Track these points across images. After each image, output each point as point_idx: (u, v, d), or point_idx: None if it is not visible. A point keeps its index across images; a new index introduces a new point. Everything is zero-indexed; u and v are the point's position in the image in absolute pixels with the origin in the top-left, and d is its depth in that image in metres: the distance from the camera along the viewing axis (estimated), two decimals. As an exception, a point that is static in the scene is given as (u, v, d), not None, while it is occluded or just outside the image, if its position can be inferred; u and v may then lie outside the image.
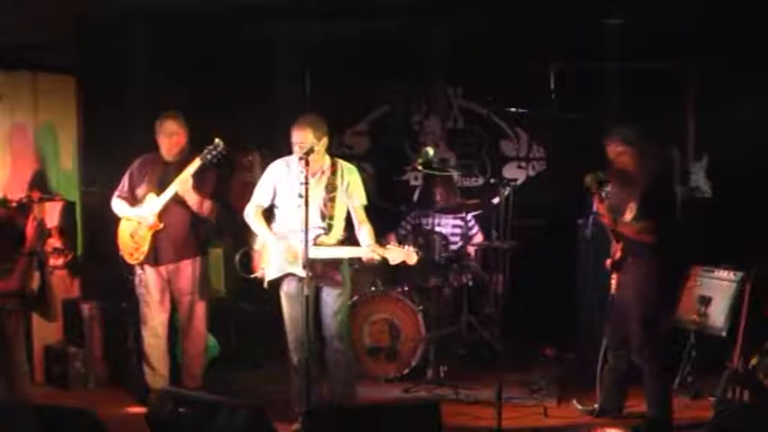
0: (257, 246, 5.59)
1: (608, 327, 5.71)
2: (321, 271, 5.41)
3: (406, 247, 5.39)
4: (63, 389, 6.43)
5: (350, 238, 5.57)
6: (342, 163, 5.57)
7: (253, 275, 5.57)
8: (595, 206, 5.54)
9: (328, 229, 5.43)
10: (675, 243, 5.57)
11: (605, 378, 5.77)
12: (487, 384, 6.14)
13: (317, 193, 5.41)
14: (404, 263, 5.38)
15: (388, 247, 5.41)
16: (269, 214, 5.60)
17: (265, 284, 5.51)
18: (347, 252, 5.46)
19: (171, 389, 5.37)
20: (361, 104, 8.10)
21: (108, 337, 6.64)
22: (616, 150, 5.50)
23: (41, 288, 5.54)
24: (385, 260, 5.38)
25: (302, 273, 5.18)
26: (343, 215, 5.52)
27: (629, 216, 5.41)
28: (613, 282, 5.65)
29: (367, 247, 5.40)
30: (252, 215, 5.53)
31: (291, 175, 5.44)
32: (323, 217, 5.43)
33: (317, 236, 5.38)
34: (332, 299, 5.48)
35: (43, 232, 5.66)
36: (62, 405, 5.22)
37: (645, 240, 5.36)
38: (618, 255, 5.54)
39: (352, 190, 5.50)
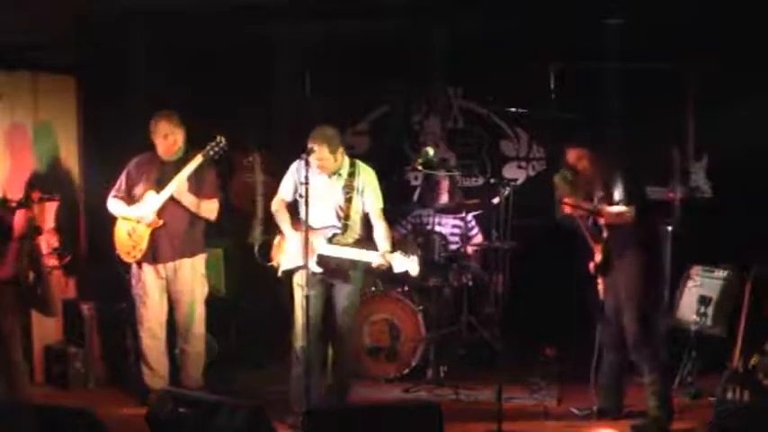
0: (276, 240, 5.80)
1: (601, 329, 5.72)
2: (335, 268, 5.54)
3: (411, 256, 5.46)
4: (63, 389, 6.43)
5: (368, 238, 5.66)
6: (360, 165, 5.68)
7: (270, 263, 5.79)
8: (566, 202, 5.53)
9: (344, 228, 5.56)
10: (655, 236, 5.59)
11: (602, 379, 5.77)
12: (487, 384, 6.14)
13: (335, 193, 5.57)
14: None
15: (394, 254, 5.47)
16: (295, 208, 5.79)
17: (280, 273, 5.70)
18: (359, 255, 5.53)
19: (171, 389, 5.37)
20: (361, 104, 8.10)
21: (108, 337, 6.64)
22: (575, 155, 5.53)
23: (37, 281, 5.55)
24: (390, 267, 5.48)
25: (314, 267, 5.43)
26: (360, 216, 5.63)
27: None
28: (600, 286, 5.67)
29: (379, 254, 5.47)
30: (276, 208, 5.77)
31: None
32: (339, 217, 5.57)
33: (334, 235, 5.54)
34: (342, 296, 5.61)
35: (34, 225, 5.65)
36: (62, 405, 5.22)
37: (627, 222, 5.36)
38: (599, 257, 5.55)
39: (368, 193, 5.62)
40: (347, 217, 5.53)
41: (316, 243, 5.46)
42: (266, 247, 5.95)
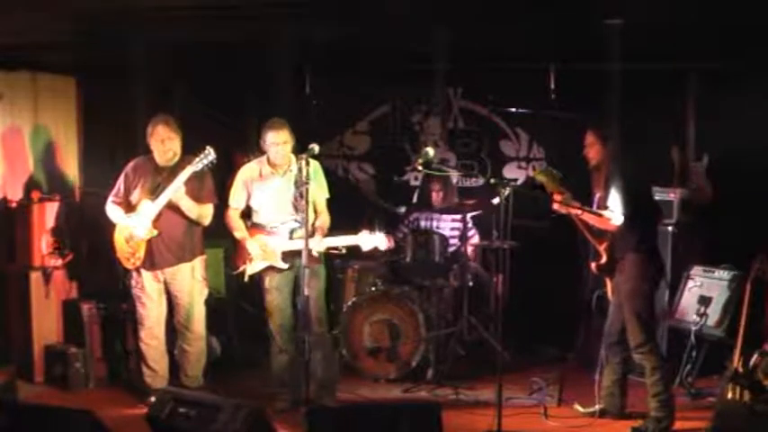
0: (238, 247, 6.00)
1: (606, 328, 5.73)
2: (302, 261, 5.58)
3: (377, 232, 5.62)
4: (63, 389, 6.43)
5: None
6: (307, 159, 5.67)
7: (236, 272, 5.97)
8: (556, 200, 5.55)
9: (303, 221, 5.58)
10: (653, 238, 5.59)
11: (605, 379, 5.78)
12: (487, 384, 6.15)
13: (289, 190, 5.72)
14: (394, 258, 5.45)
15: (360, 234, 5.64)
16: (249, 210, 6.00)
17: (246, 278, 5.87)
18: (318, 243, 5.66)
19: (171, 389, 5.37)
20: (361, 104, 8.10)
21: (108, 337, 6.64)
22: (587, 141, 5.66)
23: None
24: (358, 247, 5.68)
25: (282, 265, 5.72)
26: (312, 208, 5.78)
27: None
28: (608, 287, 5.68)
29: (316, 241, 5.62)
30: (230, 218, 5.91)
31: (262, 176, 5.82)
32: (296, 211, 5.70)
33: (293, 230, 5.72)
34: (309, 286, 5.60)
35: None
36: (62, 405, 5.22)
37: (610, 230, 5.42)
38: (604, 258, 5.56)
39: (318, 183, 5.75)
40: (304, 210, 5.50)
41: (277, 242, 5.72)
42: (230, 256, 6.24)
